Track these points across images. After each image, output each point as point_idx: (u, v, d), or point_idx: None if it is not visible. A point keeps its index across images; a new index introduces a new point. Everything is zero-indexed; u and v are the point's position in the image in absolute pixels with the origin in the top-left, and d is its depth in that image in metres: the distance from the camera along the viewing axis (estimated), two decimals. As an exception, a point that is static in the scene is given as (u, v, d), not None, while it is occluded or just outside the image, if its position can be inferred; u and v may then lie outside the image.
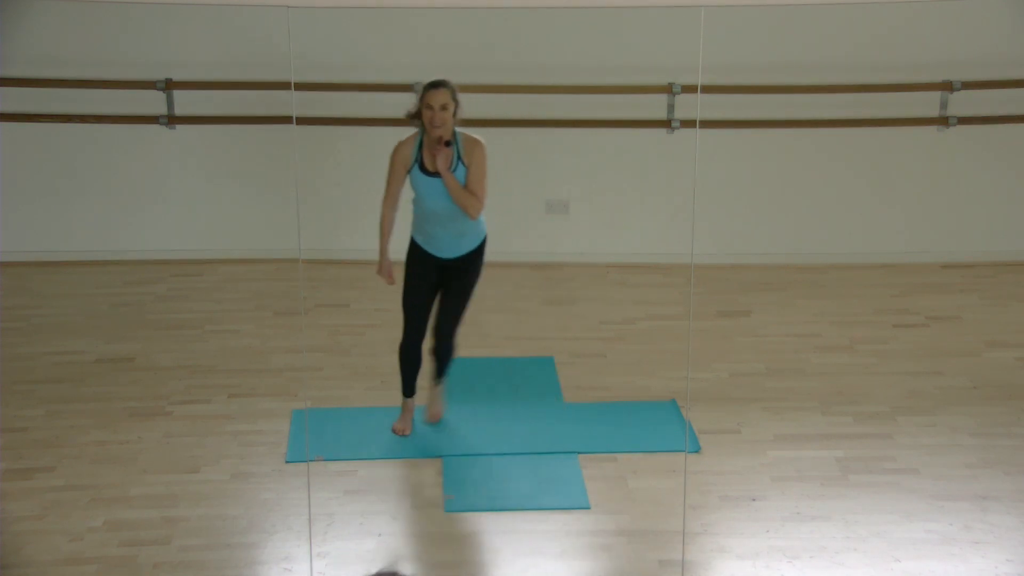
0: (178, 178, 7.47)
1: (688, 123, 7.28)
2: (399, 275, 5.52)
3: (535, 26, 7.21)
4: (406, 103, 7.22)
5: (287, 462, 5.41)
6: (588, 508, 5.11)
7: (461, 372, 6.24)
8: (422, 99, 5.21)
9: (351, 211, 7.47)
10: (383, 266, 5.45)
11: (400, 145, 5.33)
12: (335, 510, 5.07)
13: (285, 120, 7.19)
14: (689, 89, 7.20)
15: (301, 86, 7.08)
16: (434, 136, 5.23)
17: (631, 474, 5.36)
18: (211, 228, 7.53)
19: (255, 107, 7.28)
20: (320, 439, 5.55)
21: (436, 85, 5.21)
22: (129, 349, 6.45)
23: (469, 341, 6.56)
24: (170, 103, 7.29)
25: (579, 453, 5.50)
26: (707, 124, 7.10)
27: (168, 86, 7.23)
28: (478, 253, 5.45)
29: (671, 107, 7.31)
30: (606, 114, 7.32)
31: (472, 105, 7.31)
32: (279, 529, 4.94)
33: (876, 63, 7.29)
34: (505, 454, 5.50)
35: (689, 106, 7.25)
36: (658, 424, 5.75)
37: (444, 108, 5.19)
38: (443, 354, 5.61)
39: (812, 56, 7.27)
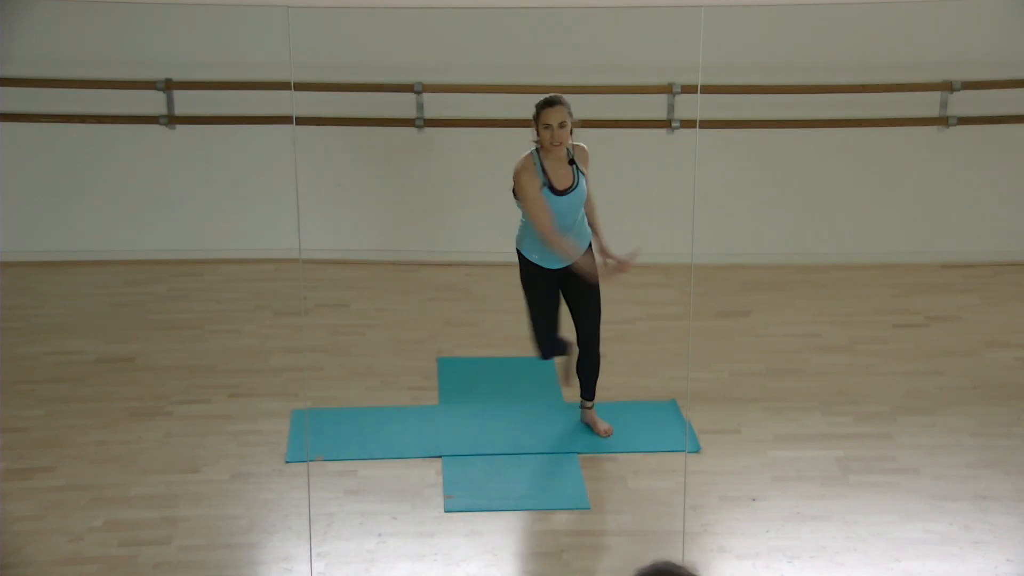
0: (178, 178, 7.47)
1: (688, 123, 7.27)
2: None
3: (535, 26, 7.20)
4: (406, 103, 7.31)
5: (287, 462, 5.41)
6: (588, 508, 5.11)
7: (462, 372, 6.24)
8: (537, 119, 5.17)
9: (351, 211, 7.47)
10: (573, 252, 5.27)
11: (523, 170, 5.20)
12: (335, 510, 5.07)
13: (285, 120, 7.19)
14: (689, 89, 7.20)
15: (301, 86, 7.08)
16: (554, 154, 5.20)
17: (631, 474, 5.36)
18: (211, 228, 7.53)
19: (255, 107, 7.28)
20: (320, 439, 5.55)
21: (551, 103, 5.17)
22: (129, 349, 6.45)
23: (469, 341, 6.57)
24: (170, 103, 7.29)
25: (579, 453, 5.51)
26: (707, 124, 7.09)
27: (168, 86, 7.23)
28: (588, 252, 5.40)
29: (671, 107, 7.30)
30: (606, 114, 7.31)
31: (473, 105, 7.34)
32: (279, 529, 4.94)
33: (876, 63, 7.28)
34: (505, 454, 5.50)
35: (689, 106, 7.25)
36: (658, 424, 5.75)
37: (562, 126, 5.17)
38: (590, 366, 5.56)
39: (812, 56, 7.27)
